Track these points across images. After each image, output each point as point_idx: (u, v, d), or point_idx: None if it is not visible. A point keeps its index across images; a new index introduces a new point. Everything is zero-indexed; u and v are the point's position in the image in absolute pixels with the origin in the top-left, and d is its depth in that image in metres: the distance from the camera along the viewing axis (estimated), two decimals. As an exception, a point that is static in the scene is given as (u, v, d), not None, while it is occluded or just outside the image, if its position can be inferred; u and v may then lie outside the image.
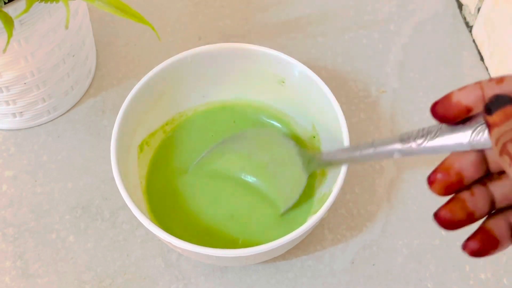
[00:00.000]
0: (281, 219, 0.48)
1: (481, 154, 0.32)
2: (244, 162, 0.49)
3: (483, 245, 0.31)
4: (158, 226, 0.42)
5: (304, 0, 0.63)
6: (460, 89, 0.31)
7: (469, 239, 0.31)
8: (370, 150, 0.39)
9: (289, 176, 0.48)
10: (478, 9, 0.59)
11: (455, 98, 0.31)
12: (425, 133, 0.34)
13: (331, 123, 0.48)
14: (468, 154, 0.32)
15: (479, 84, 0.31)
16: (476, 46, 0.60)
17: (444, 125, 0.33)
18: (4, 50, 0.42)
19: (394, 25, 0.61)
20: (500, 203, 0.32)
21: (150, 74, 0.48)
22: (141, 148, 0.49)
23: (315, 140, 0.51)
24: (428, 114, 0.55)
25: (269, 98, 0.53)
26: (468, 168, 0.32)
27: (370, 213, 0.51)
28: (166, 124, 0.52)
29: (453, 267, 0.48)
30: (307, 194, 0.49)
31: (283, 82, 0.51)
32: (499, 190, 0.32)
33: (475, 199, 0.32)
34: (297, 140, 0.52)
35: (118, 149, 0.45)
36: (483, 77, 0.58)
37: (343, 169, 0.44)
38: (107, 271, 0.48)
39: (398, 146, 0.35)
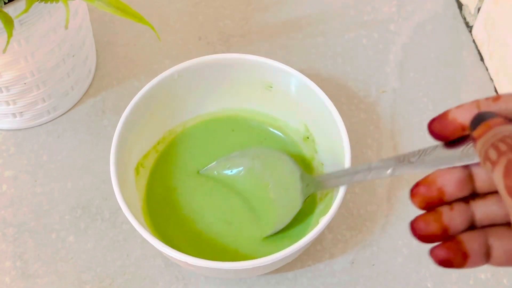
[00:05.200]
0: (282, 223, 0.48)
1: (468, 172, 0.32)
2: (247, 180, 0.49)
3: (449, 255, 0.31)
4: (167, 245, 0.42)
5: (304, 0, 0.63)
6: (457, 107, 0.32)
7: (437, 245, 0.31)
8: (367, 174, 0.40)
9: (286, 200, 0.47)
10: (478, 9, 0.59)
11: (451, 116, 0.32)
12: (420, 153, 0.34)
13: (325, 121, 0.48)
14: (454, 171, 0.32)
15: (476, 102, 0.31)
16: (476, 46, 0.60)
17: (439, 144, 0.33)
18: (4, 50, 0.42)
19: (394, 25, 0.61)
20: (481, 222, 0.32)
21: (139, 95, 0.47)
22: (137, 171, 0.49)
23: (309, 140, 0.51)
24: (427, 114, 0.56)
25: (258, 105, 0.52)
26: (451, 185, 0.32)
27: (370, 213, 0.51)
28: (158, 144, 0.51)
29: (453, 267, 0.48)
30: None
31: (271, 87, 0.51)
32: (482, 209, 0.32)
33: (452, 214, 0.31)
34: (292, 143, 0.52)
35: (118, 175, 0.44)
36: (483, 77, 0.58)
37: (347, 167, 0.44)
38: (107, 271, 0.48)
39: (393, 167, 0.37)
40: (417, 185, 0.32)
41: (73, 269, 0.48)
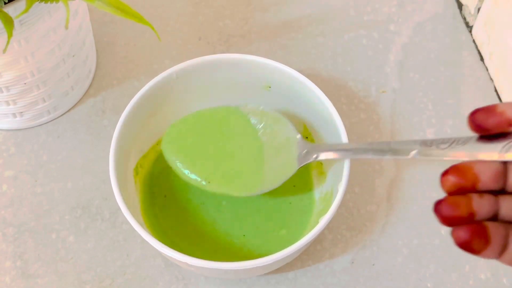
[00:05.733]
0: (280, 222, 0.48)
1: (504, 168, 0.31)
2: (238, 135, 0.47)
3: (472, 238, 0.30)
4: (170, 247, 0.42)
5: (304, 0, 0.63)
6: (506, 103, 0.31)
7: (461, 227, 0.30)
8: (384, 152, 0.38)
9: (278, 164, 0.46)
10: (478, 9, 0.59)
11: (500, 109, 0.31)
12: (452, 141, 0.33)
13: (324, 121, 0.48)
14: (492, 162, 0.31)
15: None
16: (476, 46, 0.60)
17: (473, 136, 0.32)
18: (4, 50, 0.42)
19: (394, 25, 0.61)
20: (503, 217, 0.31)
21: (137, 96, 0.47)
22: (136, 171, 0.49)
23: (308, 140, 0.51)
24: (427, 114, 0.56)
25: (258, 105, 0.52)
26: (488, 174, 0.31)
27: (370, 213, 0.51)
28: (157, 144, 0.51)
29: (453, 267, 0.48)
30: (304, 194, 0.49)
31: (269, 87, 0.51)
32: (508, 205, 0.31)
33: (482, 202, 0.31)
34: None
35: (117, 175, 0.44)
36: (483, 77, 0.58)
37: (346, 167, 0.44)
38: (107, 271, 0.48)
39: (417, 149, 0.35)
40: (451, 168, 0.31)
41: (73, 269, 0.48)
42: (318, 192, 0.49)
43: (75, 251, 0.49)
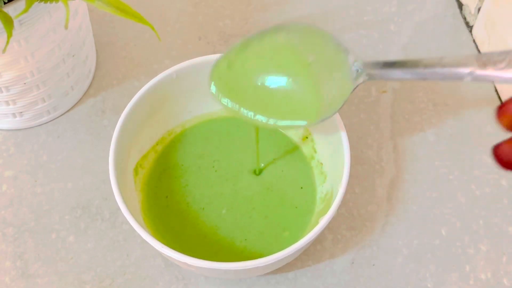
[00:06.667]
0: (280, 222, 0.48)
1: None
2: (284, 56, 0.42)
3: None
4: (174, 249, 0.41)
5: (304, 0, 0.63)
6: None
7: None
8: (437, 69, 0.33)
9: (332, 84, 0.41)
10: (478, 9, 0.59)
11: None
12: (510, 57, 0.29)
13: (324, 121, 0.47)
14: None
15: None
16: (476, 46, 0.60)
17: None
18: (4, 50, 0.42)
19: (394, 25, 0.61)
20: None
21: (137, 96, 0.47)
22: (136, 171, 0.49)
23: (308, 140, 0.51)
24: (427, 114, 0.56)
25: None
26: None
27: (370, 213, 0.51)
28: (157, 144, 0.51)
29: (453, 267, 0.48)
30: (306, 194, 0.49)
31: None
32: None
33: None
34: (292, 143, 0.51)
35: (117, 176, 0.44)
36: (483, 77, 0.58)
37: (346, 167, 0.44)
38: (107, 271, 0.48)
39: (472, 68, 0.30)
40: (508, 101, 0.27)
41: (73, 269, 0.48)
42: (318, 192, 0.49)
43: (75, 251, 0.49)
